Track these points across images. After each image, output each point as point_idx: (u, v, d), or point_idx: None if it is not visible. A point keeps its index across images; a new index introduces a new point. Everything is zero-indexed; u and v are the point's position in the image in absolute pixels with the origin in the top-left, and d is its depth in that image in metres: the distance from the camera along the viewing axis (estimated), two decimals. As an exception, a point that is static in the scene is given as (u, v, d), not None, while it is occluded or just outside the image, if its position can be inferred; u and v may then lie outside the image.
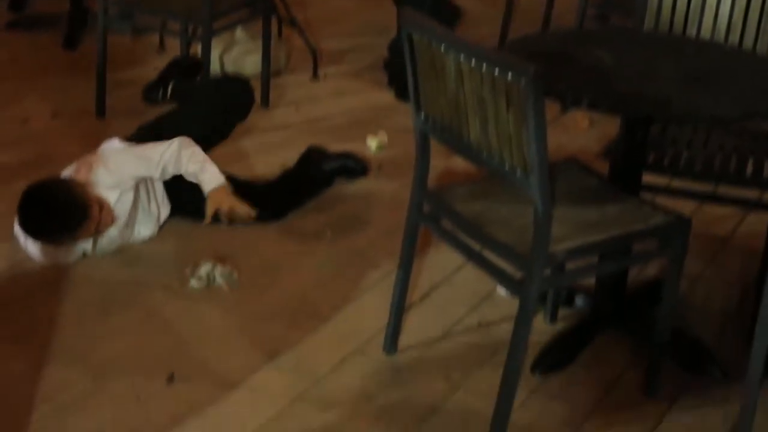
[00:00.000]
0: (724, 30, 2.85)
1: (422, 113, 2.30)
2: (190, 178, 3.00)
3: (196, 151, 2.98)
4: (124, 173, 2.92)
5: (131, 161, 2.97)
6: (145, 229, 3.09)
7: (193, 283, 2.85)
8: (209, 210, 2.95)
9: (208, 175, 2.96)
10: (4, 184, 2.98)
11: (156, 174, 2.98)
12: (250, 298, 2.82)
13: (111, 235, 2.96)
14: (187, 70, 3.88)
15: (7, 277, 2.89)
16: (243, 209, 3.00)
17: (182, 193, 3.10)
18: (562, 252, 2.13)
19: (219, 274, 2.83)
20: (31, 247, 2.90)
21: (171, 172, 2.99)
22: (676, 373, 2.51)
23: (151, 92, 3.82)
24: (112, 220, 2.90)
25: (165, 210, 3.13)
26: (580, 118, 4.10)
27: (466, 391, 2.43)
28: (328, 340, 2.65)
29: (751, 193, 2.92)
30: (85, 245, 2.94)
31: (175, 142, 2.97)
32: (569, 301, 2.78)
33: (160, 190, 3.08)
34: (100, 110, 4.00)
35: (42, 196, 2.79)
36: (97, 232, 2.87)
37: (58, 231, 2.79)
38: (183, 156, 2.94)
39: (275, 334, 2.66)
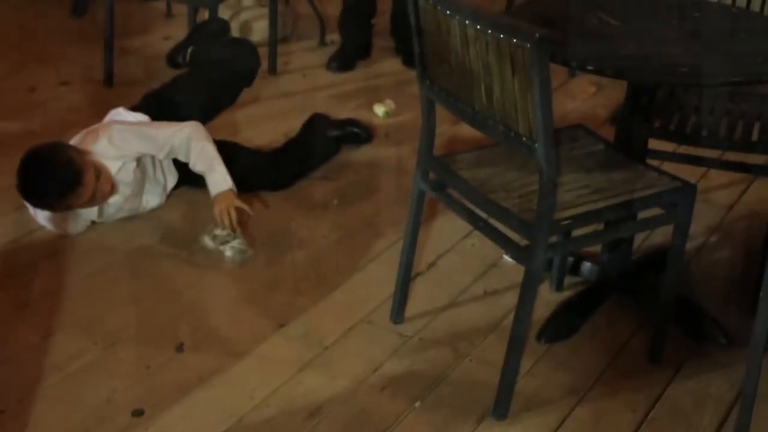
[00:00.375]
0: (731, -9, 2.83)
1: (428, 79, 2.29)
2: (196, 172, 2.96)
3: (207, 147, 2.90)
4: (128, 149, 2.90)
5: (137, 140, 2.92)
6: (152, 199, 3.09)
7: (206, 240, 2.85)
8: (221, 217, 2.83)
9: (216, 176, 2.86)
10: (11, 155, 2.96)
11: (161, 155, 2.95)
12: (257, 267, 2.83)
13: (117, 204, 2.96)
14: (212, 34, 3.83)
15: (16, 247, 2.91)
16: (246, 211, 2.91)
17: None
18: (567, 219, 2.13)
19: (230, 246, 2.83)
20: (40, 216, 2.91)
21: (176, 156, 2.98)
22: (682, 340, 2.51)
23: (174, 56, 3.79)
24: (112, 188, 2.87)
25: (172, 179, 3.12)
26: (586, 84, 4.08)
27: (472, 360, 2.44)
28: (336, 308, 2.65)
29: (757, 159, 2.90)
30: (91, 214, 2.94)
31: (186, 129, 2.91)
32: (575, 269, 2.78)
33: (166, 159, 3.06)
34: (108, 79, 4.00)
35: (37, 159, 2.77)
36: (95, 200, 2.84)
37: (51, 195, 2.76)
38: (192, 150, 2.89)
39: (283, 302, 2.67)
